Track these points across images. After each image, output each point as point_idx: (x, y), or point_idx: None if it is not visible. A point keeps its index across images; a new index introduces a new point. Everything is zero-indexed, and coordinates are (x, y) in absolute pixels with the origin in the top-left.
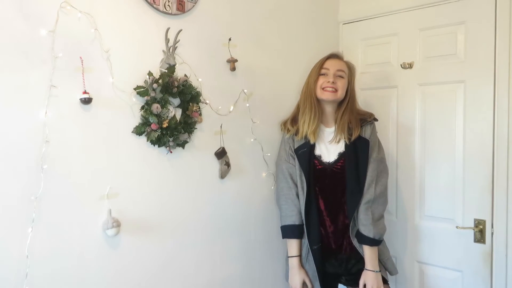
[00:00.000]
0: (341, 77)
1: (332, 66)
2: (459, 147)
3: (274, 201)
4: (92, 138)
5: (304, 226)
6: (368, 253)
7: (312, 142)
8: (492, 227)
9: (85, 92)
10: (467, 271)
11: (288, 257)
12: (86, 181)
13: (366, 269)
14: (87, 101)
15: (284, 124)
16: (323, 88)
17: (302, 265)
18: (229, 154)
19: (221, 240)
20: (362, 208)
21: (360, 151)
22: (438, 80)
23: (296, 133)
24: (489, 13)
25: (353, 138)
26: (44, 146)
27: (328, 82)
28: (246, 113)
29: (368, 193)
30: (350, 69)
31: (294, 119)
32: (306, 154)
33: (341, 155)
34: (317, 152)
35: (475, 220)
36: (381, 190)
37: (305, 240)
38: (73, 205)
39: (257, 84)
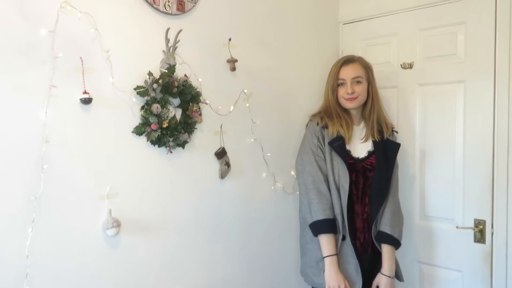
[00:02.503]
0: (359, 82)
1: (347, 75)
2: (459, 147)
3: (274, 201)
4: (92, 138)
5: (346, 220)
6: (387, 255)
7: (347, 144)
8: (492, 227)
9: (85, 92)
10: (467, 271)
11: (325, 257)
12: (86, 181)
13: (382, 274)
14: (87, 101)
15: (314, 115)
16: (344, 99)
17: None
18: (229, 154)
19: (221, 240)
20: (389, 210)
21: (390, 152)
22: (438, 80)
23: (325, 126)
24: (489, 13)
25: (386, 136)
26: (44, 146)
27: (347, 93)
28: (246, 113)
29: (396, 197)
30: (367, 69)
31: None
32: (342, 146)
33: (370, 153)
34: (348, 147)
35: (475, 220)
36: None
37: (341, 237)
38: (73, 205)
39: (257, 84)
